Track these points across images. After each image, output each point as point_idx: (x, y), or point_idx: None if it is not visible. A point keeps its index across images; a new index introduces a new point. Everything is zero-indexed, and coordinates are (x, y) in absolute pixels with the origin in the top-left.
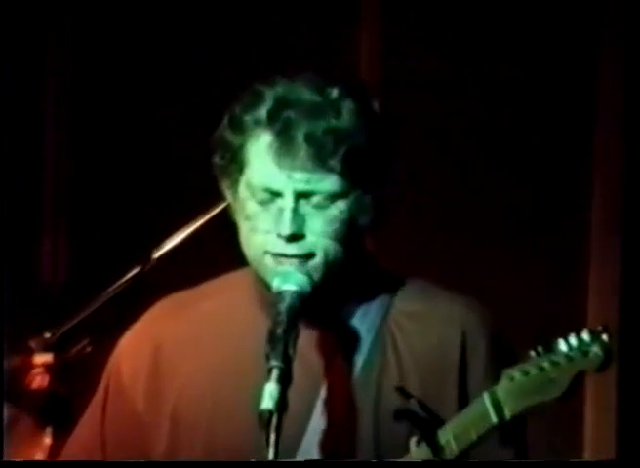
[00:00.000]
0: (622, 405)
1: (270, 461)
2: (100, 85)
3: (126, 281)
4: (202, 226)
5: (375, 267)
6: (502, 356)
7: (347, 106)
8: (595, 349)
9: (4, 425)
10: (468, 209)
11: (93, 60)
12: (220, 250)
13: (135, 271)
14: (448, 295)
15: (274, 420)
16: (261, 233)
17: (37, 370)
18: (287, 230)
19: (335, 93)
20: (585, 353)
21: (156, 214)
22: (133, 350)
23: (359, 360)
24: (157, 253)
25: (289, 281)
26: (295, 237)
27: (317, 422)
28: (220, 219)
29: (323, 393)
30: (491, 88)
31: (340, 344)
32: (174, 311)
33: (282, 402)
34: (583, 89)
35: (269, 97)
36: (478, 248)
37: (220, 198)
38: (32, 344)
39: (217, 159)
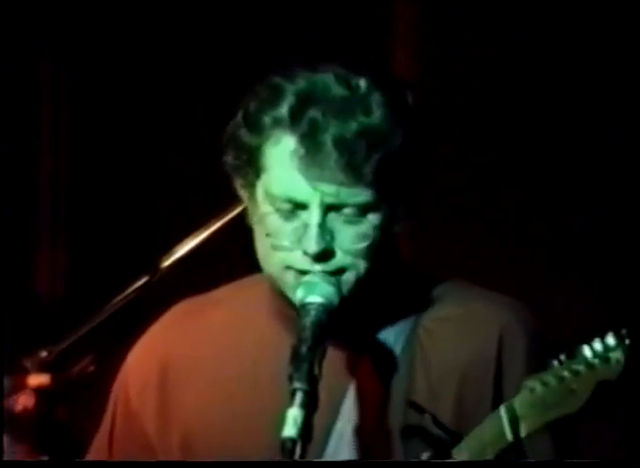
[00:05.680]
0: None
1: (271, 461)
2: (98, 89)
3: (133, 291)
4: (216, 231)
5: (406, 271)
6: (545, 361)
7: (377, 100)
8: (617, 355)
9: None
10: (511, 213)
11: (90, 68)
12: (238, 257)
13: (142, 281)
14: (485, 296)
15: (298, 450)
16: (284, 250)
17: (22, 393)
18: (314, 247)
19: (362, 85)
20: (606, 359)
21: (164, 218)
22: (140, 368)
23: (388, 374)
24: (166, 262)
25: (314, 292)
26: (323, 255)
27: (334, 446)
28: (237, 224)
29: (346, 415)
30: (537, 79)
31: (365, 359)
32: (182, 323)
33: (307, 429)
34: None
35: (290, 92)
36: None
37: (236, 200)
38: (27, 364)
39: (229, 159)
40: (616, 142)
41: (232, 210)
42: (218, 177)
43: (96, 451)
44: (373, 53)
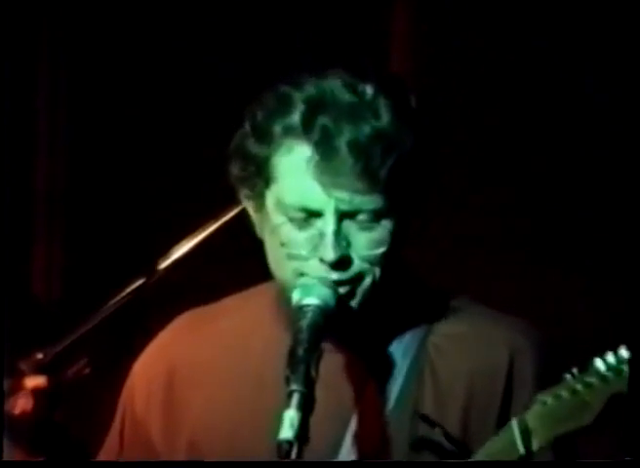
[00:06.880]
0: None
1: (271, 461)
2: (97, 90)
3: (129, 294)
4: (214, 232)
5: (414, 284)
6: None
7: (384, 104)
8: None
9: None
10: (511, 213)
11: (89, 69)
12: (236, 259)
13: (138, 283)
14: (495, 316)
15: (294, 451)
16: (300, 259)
17: (20, 394)
18: (331, 255)
19: (369, 91)
20: (619, 372)
21: (162, 220)
22: (146, 376)
23: (394, 388)
24: (163, 264)
25: (310, 294)
26: (341, 262)
27: (346, 457)
28: (235, 225)
29: (353, 425)
30: (535, 77)
31: (372, 371)
32: (190, 331)
33: (303, 431)
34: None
35: (299, 100)
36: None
37: (234, 201)
38: (23, 366)
39: (235, 170)
40: (616, 142)
41: (230, 211)
42: (215, 179)
43: (106, 457)
44: (370, 53)
